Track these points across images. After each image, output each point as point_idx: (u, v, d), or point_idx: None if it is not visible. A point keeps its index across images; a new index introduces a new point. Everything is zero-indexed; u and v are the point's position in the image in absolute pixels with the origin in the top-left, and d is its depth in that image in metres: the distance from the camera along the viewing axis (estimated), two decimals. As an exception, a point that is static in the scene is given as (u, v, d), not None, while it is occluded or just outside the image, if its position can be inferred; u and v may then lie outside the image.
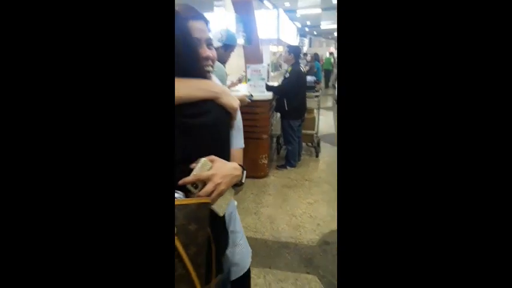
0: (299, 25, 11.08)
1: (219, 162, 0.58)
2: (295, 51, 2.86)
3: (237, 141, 0.70)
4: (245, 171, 0.64)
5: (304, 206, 2.32)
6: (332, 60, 9.67)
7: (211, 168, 0.56)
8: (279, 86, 2.79)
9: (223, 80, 1.77)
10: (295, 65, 2.82)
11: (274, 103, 2.92)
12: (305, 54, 8.56)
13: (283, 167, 3.02)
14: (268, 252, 1.79)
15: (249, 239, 0.83)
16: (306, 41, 13.18)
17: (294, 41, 8.46)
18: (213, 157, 0.58)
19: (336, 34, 14.66)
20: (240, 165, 0.64)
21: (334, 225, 2.04)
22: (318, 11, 8.70)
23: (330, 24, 9.78)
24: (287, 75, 2.76)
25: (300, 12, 9.06)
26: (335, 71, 9.20)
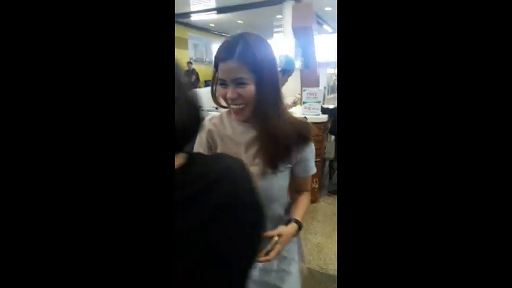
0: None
1: (285, 236, 0.69)
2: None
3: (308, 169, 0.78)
4: (302, 229, 0.75)
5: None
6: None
7: (277, 242, 0.67)
8: (335, 109, 2.72)
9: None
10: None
11: (328, 125, 2.85)
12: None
13: (335, 192, 2.87)
14: (314, 284, 1.68)
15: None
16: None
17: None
18: (282, 232, 0.69)
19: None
20: (298, 224, 0.74)
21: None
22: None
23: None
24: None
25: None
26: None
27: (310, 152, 0.75)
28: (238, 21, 8.05)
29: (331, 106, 2.85)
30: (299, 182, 0.79)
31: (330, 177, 3.27)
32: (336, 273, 1.75)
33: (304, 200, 0.80)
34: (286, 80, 1.89)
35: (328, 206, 2.66)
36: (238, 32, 0.66)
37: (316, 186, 2.67)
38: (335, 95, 3.41)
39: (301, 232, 0.78)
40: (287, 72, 1.84)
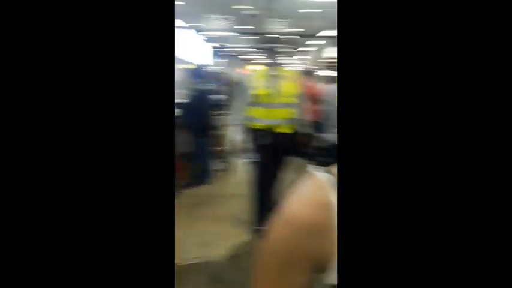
0: (217, 45, 11.52)
1: None
2: (200, 71, 2.95)
3: None
4: None
5: (213, 223, 2.33)
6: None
7: None
8: (183, 103, 2.80)
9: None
10: (201, 84, 2.91)
11: (182, 120, 2.90)
12: (218, 74, 8.88)
13: (191, 185, 2.97)
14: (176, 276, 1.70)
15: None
16: (220, 61, 13.69)
17: (208, 60, 8.68)
18: None
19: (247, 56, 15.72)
20: None
21: (241, 238, 2.10)
22: (234, 33, 9.27)
23: (242, 47, 10.38)
24: (192, 93, 2.82)
25: (217, 34, 9.45)
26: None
27: None
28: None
29: (184, 101, 2.90)
30: None
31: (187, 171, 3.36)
32: (197, 261, 1.84)
33: None
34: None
35: (187, 199, 2.73)
36: None
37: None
38: (185, 91, 3.48)
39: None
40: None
